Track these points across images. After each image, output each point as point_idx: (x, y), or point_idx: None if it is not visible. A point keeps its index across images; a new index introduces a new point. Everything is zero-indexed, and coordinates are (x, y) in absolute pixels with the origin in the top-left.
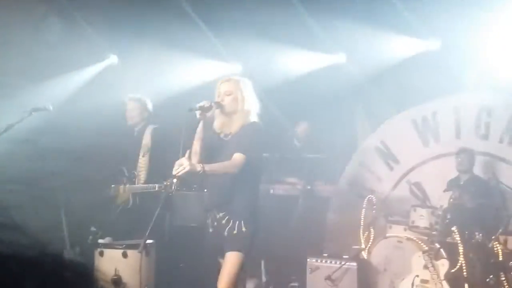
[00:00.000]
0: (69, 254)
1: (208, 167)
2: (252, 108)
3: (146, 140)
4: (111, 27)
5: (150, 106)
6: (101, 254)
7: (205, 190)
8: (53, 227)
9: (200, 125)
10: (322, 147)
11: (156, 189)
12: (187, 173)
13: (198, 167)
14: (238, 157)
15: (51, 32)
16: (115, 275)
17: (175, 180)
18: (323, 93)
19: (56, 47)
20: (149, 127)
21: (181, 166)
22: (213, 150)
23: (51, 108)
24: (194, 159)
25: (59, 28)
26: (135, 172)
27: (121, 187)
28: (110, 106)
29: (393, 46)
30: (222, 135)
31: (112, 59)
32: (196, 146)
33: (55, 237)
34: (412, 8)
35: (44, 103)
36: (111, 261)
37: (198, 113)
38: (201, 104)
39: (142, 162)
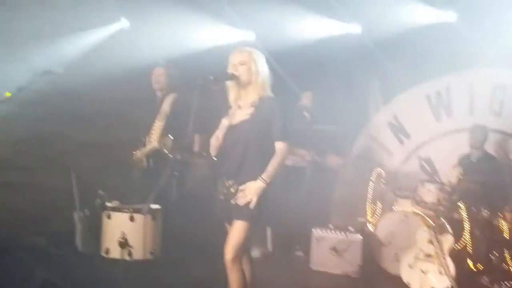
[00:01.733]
0: (78, 215)
1: (268, 177)
2: (266, 80)
3: (166, 106)
4: None
5: (175, 74)
6: (109, 217)
7: (214, 158)
8: (63, 189)
9: (226, 118)
10: (332, 119)
11: (158, 147)
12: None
13: (263, 183)
14: (282, 146)
15: None
16: (122, 237)
17: (170, 136)
18: (336, 63)
19: (65, 8)
20: (171, 94)
21: (246, 197)
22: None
23: (60, 71)
24: (213, 150)
25: None
26: (146, 136)
27: (138, 152)
28: (121, 71)
29: (409, 17)
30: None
31: (123, 22)
32: (220, 134)
33: (65, 199)
34: None
35: (54, 66)
36: (119, 224)
37: (212, 84)
38: (216, 76)
39: (157, 126)
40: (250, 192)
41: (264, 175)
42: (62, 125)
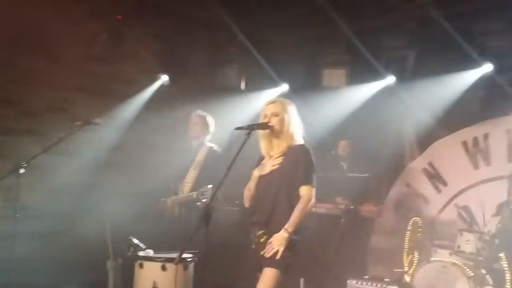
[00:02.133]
0: (111, 264)
1: (291, 226)
2: (297, 129)
3: (201, 156)
4: (162, 47)
5: (212, 125)
6: (141, 266)
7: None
8: (97, 238)
9: (257, 169)
10: (367, 166)
11: (194, 196)
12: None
13: (286, 234)
14: (306, 190)
15: (103, 49)
16: (153, 287)
17: (210, 186)
18: (371, 112)
19: (108, 63)
20: (207, 144)
21: (274, 249)
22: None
23: (101, 122)
24: (246, 201)
25: (111, 45)
26: (179, 184)
27: (169, 199)
28: (158, 120)
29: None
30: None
31: (164, 78)
32: (252, 185)
33: (99, 248)
34: (461, 30)
35: (94, 117)
36: (150, 273)
37: (246, 132)
38: (250, 124)
39: (191, 175)
40: (276, 243)
41: (287, 225)
42: (99, 174)
